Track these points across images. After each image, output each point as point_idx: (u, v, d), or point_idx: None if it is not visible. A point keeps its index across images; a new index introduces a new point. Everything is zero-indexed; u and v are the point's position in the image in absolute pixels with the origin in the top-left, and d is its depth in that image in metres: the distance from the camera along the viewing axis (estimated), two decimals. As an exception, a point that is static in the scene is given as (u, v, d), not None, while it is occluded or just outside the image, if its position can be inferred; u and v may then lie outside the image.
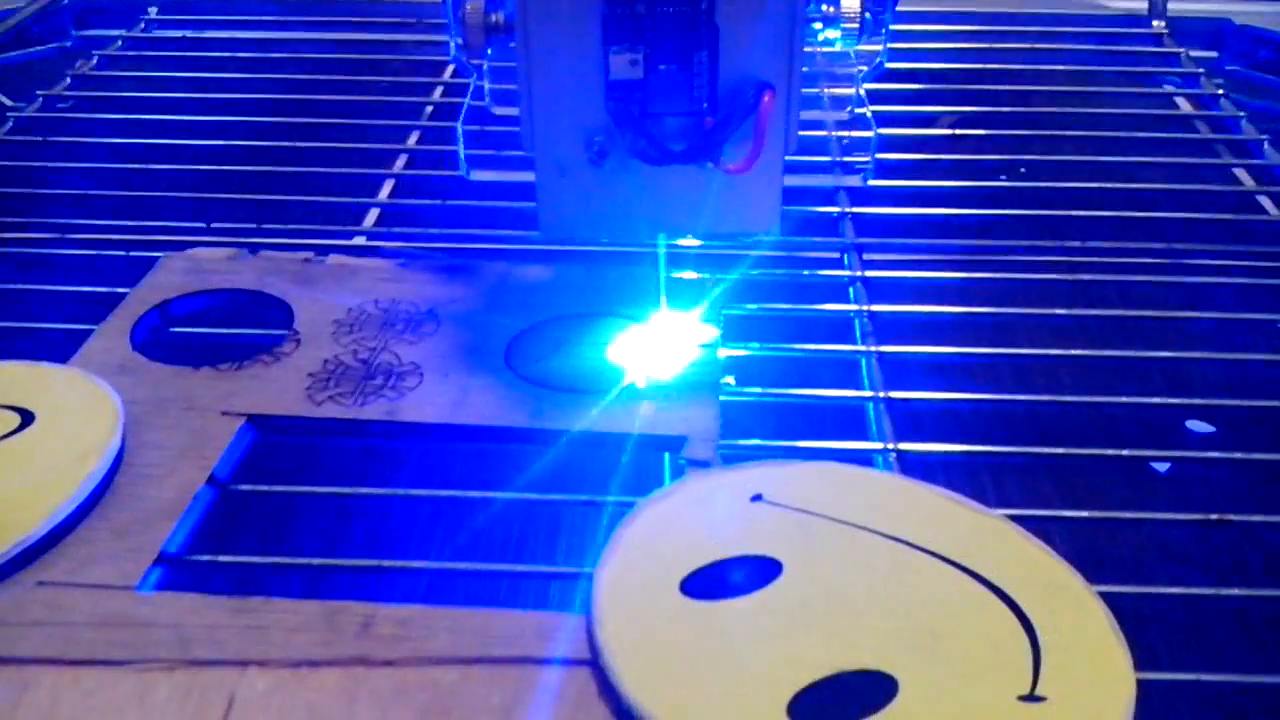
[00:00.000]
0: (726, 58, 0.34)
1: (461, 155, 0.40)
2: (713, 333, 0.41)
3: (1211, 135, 0.59)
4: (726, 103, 0.34)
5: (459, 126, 0.40)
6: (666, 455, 0.36)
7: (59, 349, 0.40)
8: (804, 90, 0.35)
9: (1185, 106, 0.63)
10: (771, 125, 0.34)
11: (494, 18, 0.35)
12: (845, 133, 0.45)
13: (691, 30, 0.33)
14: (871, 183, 0.52)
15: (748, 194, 0.36)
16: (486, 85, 0.43)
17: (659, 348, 0.40)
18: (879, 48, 0.40)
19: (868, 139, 0.52)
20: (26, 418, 0.35)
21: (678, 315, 0.41)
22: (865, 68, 0.43)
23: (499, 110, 0.44)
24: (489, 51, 0.36)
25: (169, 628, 0.29)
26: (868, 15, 0.37)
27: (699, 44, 0.33)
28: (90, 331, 0.41)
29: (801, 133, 0.36)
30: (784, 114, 0.35)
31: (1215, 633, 0.34)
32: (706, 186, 0.36)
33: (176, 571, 0.32)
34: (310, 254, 0.45)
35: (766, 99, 0.34)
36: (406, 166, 0.55)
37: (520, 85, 0.35)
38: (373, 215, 0.51)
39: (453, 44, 0.37)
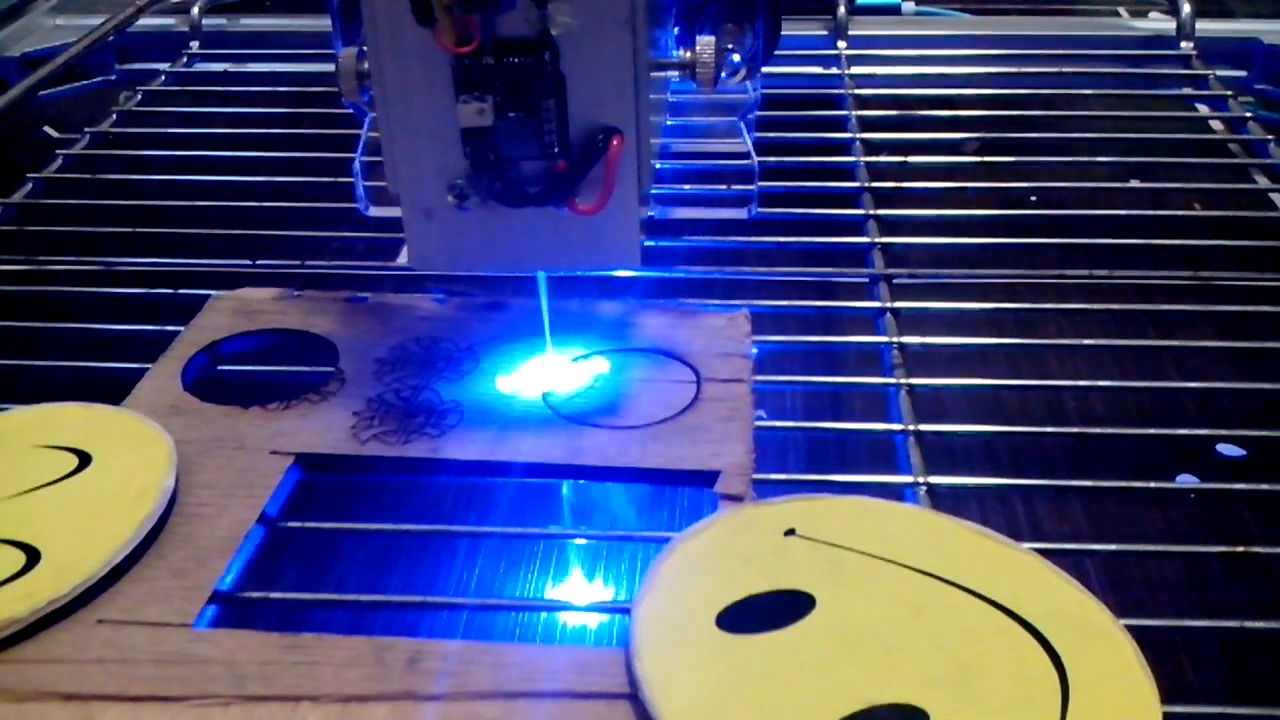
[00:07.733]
0: (575, 105, 0.35)
1: (360, 192, 0.41)
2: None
3: (1245, 160, 0.59)
4: (577, 148, 0.35)
5: (355, 167, 0.41)
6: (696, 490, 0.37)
7: (113, 389, 0.41)
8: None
9: (1216, 129, 0.63)
10: (622, 168, 0.35)
11: (365, 65, 0.36)
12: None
13: (538, 79, 0.34)
14: (900, 211, 0.53)
15: (606, 232, 0.37)
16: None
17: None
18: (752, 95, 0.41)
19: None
20: (84, 459, 0.36)
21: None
22: (729, 117, 0.44)
23: None
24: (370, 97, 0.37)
25: (224, 664, 0.30)
26: (737, 59, 0.38)
27: (546, 92, 0.34)
28: (143, 371, 0.42)
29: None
30: (634, 156, 0.36)
31: (1245, 665, 0.34)
32: (567, 225, 0.37)
33: (230, 608, 0.33)
34: (352, 292, 0.46)
35: (615, 143, 0.35)
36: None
37: (382, 131, 0.36)
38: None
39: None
